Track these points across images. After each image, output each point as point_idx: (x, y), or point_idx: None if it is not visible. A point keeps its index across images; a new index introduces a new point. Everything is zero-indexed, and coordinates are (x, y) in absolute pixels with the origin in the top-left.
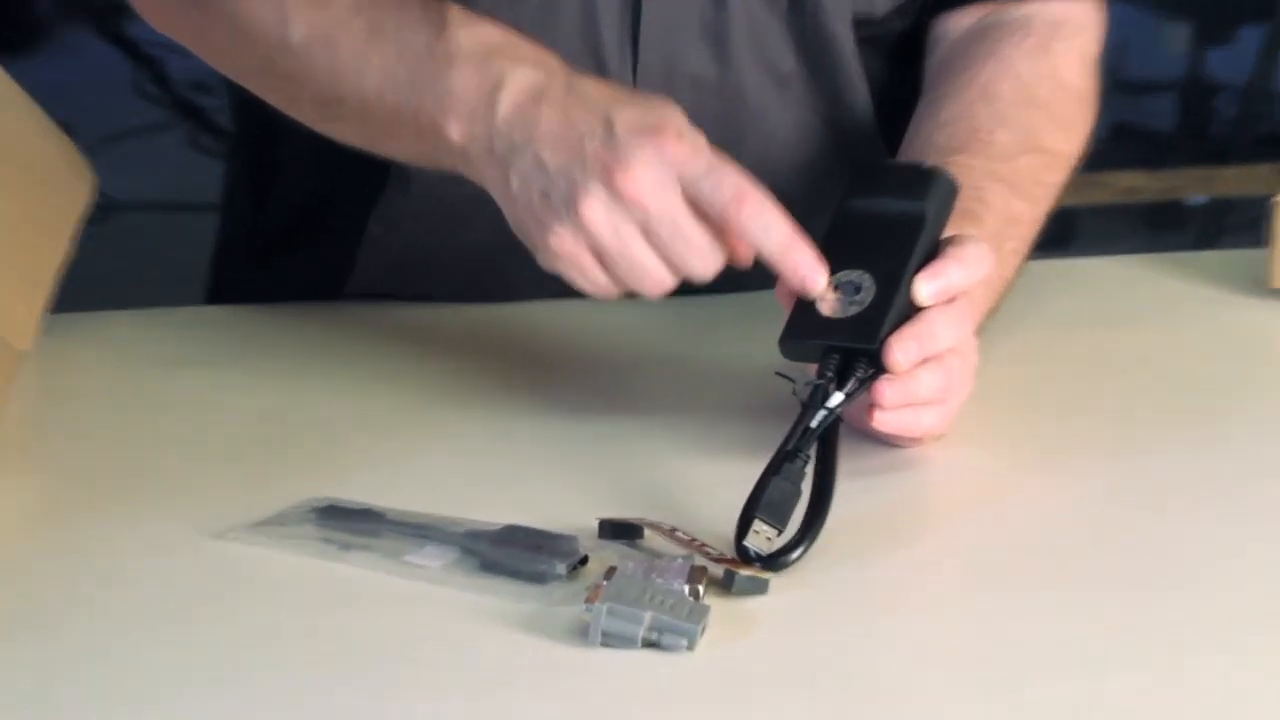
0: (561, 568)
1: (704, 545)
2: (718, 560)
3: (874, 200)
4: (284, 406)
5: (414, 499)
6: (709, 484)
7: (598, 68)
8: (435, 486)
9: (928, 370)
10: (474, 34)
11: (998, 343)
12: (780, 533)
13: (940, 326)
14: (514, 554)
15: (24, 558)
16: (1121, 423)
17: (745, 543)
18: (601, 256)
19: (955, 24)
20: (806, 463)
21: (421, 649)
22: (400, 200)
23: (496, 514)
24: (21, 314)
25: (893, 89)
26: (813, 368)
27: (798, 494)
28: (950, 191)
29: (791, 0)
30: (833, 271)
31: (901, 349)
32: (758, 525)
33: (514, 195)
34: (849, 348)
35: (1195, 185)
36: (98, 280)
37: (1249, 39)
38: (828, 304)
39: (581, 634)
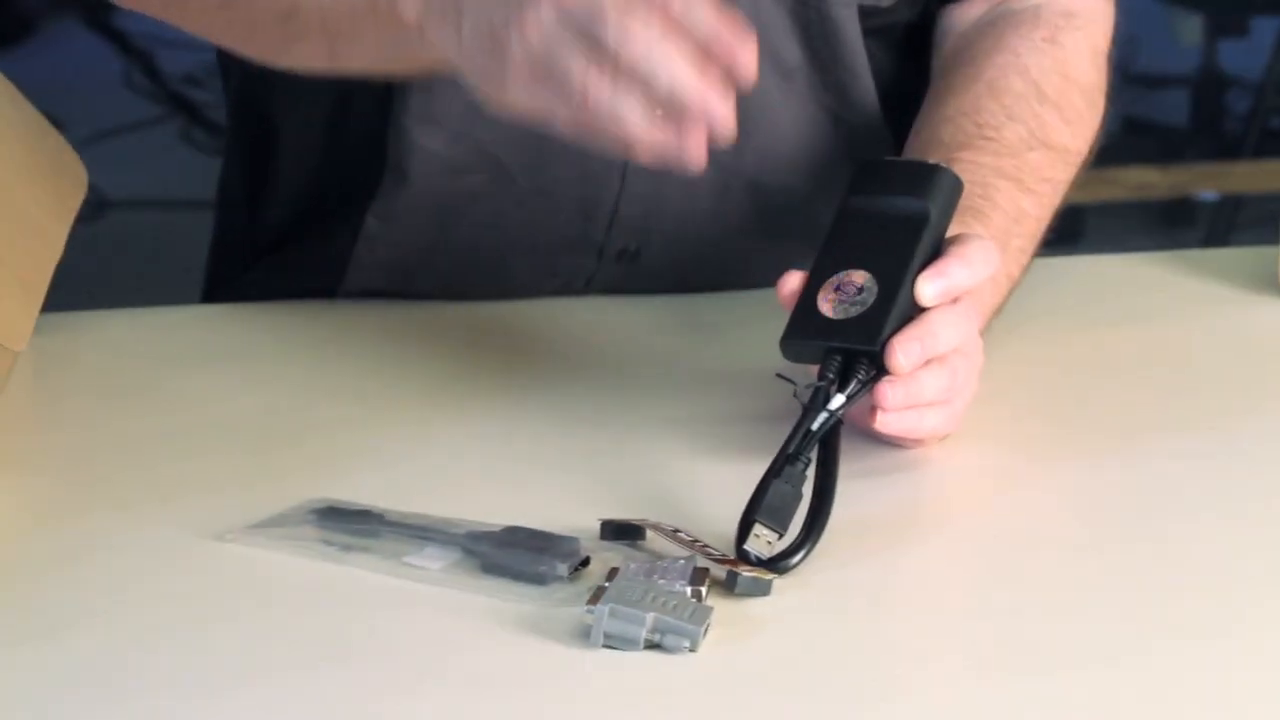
0: (563, 569)
1: (706, 546)
2: (720, 561)
3: (877, 198)
4: (282, 406)
5: (414, 500)
6: (711, 485)
7: None
8: (435, 487)
9: (931, 371)
10: None
11: (1004, 342)
12: (781, 536)
13: (943, 327)
14: (515, 555)
15: (18, 558)
16: (1129, 423)
17: (746, 546)
18: (552, 74)
19: (963, 15)
20: (807, 465)
21: (422, 651)
22: (397, 195)
23: (497, 515)
24: (15, 314)
25: (899, 81)
26: (814, 369)
27: (798, 497)
28: (955, 189)
29: None
30: (835, 271)
31: (904, 350)
32: (758, 529)
33: (466, 47)
34: (850, 349)
35: (1207, 181)
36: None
37: (1262, 32)
38: (829, 304)
39: (583, 635)
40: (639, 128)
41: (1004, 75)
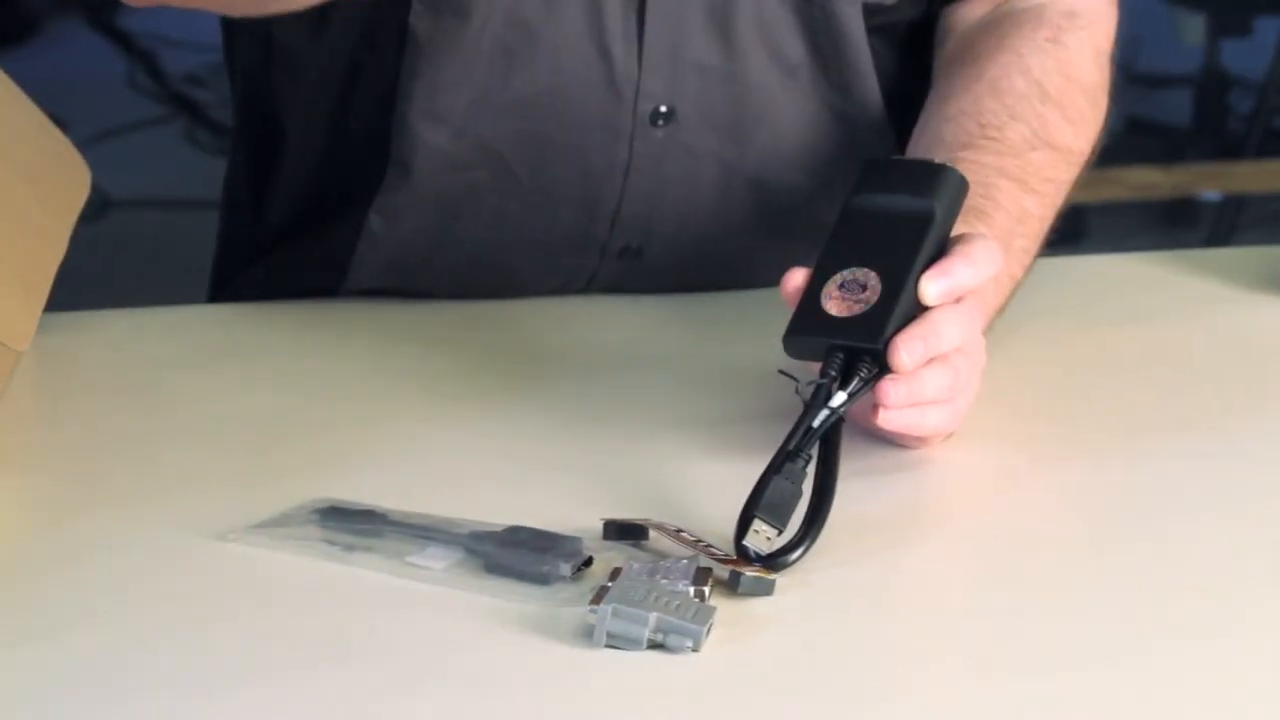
0: (566, 569)
1: (709, 546)
2: (723, 561)
3: (882, 196)
4: (284, 406)
5: (416, 499)
6: (714, 484)
7: (602, 54)
8: (438, 487)
9: (933, 370)
10: None
11: (1006, 341)
12: (780, 533)
13: (946, 326)
14: (518, 555)
15: (20, 558)
16: (1131, 423)
17: (744, 542)
18: None
19: (966, 14)
20: (808, 463)
21: (425, 651)
22: (400, 191)
23: (500, 514)
24: (18, 314)
25: (902, 80)
26: (816, 366)
27: (798, 494)
28: (960, 189)
29: None
30: (839, 268)
31: (906, 349)
32: (757, 525)
33: None
34: (853, 346)
35: (1210, 181)
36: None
37: (1265, 31)
38: (832, 301)
39: (586, 635)
40: None
41: (1007, 75)
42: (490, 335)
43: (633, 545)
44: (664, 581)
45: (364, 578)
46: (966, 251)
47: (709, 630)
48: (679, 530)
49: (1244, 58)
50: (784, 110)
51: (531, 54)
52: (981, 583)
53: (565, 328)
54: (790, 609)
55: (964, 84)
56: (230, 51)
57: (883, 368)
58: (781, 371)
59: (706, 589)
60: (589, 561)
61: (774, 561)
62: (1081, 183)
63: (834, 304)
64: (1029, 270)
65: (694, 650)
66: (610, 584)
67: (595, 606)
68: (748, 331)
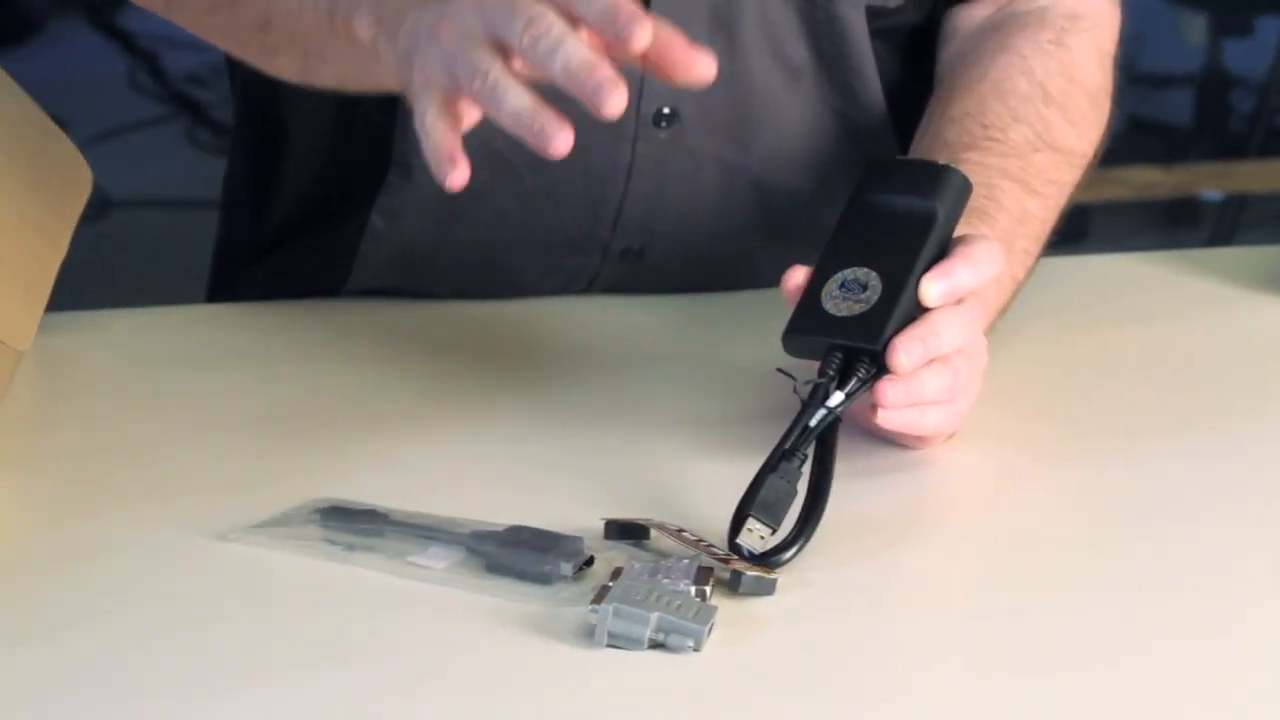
0: (567, 569)
1: (710, 546)
2: (724, 561)
3: (885, 197)
4: (285, 406)
5: (418, 499)
6: (715, 484)
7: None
8: (439, 486)
9: (933, 371)
10: None
11: (1007, 341)
12: (774, 531)
13: (946, 328)
14: (519, 555)
15: (21, 558)
16: (1132, 423)
17: (738, 541)
18: (452, 68)
19: (970, 16)
20: (804, 462)
21: (426, 650)
22: (402, 192)
23: (501, 514)
24: (19, 313)
25: (905, 83)
26: (816, 365)
27: (793, 493)
28: (963, 190)
29: None
30: (841, 268)
31: (905, 350)
32: (751, 524)
33: (399, 55)
34: (852, 346)
35: (1211, 181)
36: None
37: (1267, 31)
38: (833, 301)
39: (587, 635)
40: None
41: (1010, 77)
42: (492, 335)
43: (634, 545)
44: (665, 581)
45: (365, 577)
46: (968, 253)
47: (710, 630)
48: (680, 530)
49: (1246, 57)
50: (787, 112)
51: None
52: (981, 583)
53: (567, 328)
54: (791, 609)
55: (967, 85)
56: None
57: (881, 368)
58: (780, 370)
59: (708, 589)
60: (590, 561)
61: (767, 561)
62: (1084, 184)
63: (834, 303)
64: (1031, 271)
65: (695, 650)
66: (611, 584)
67: (596, 606)
68: (749, 331)
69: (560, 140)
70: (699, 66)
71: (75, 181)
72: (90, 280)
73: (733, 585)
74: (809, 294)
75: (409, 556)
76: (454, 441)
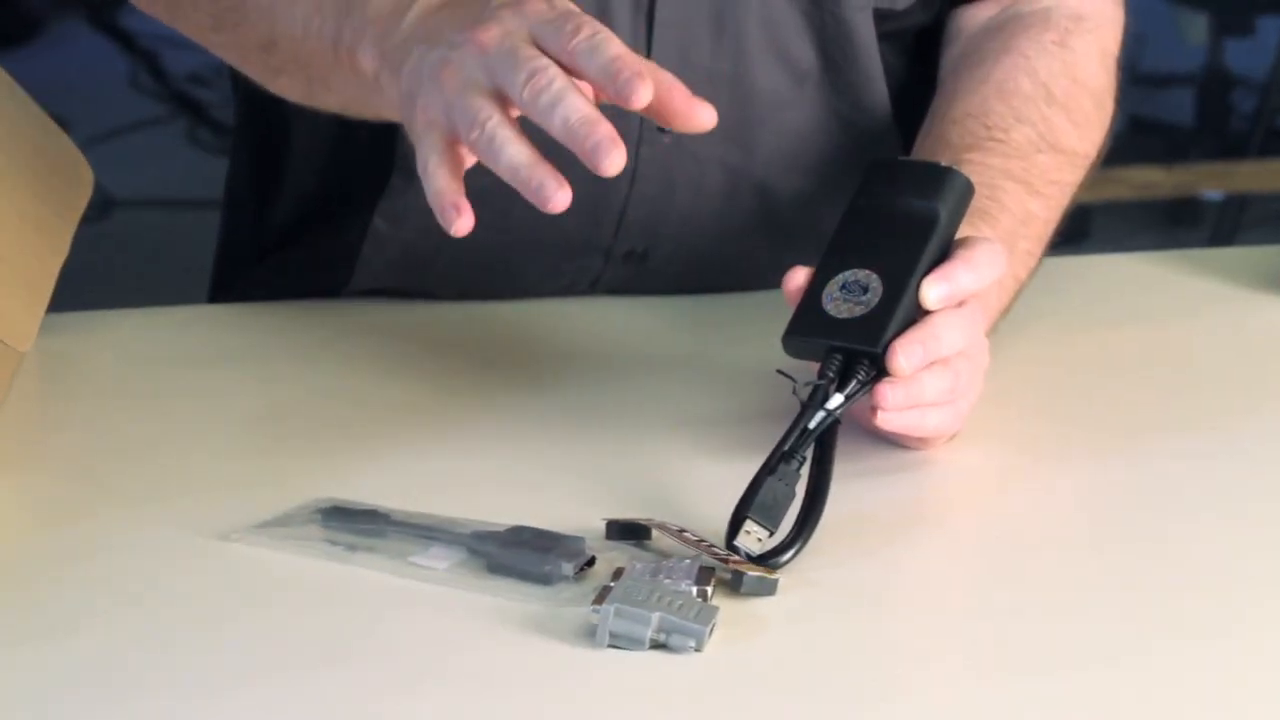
0: (569, 569)
1: (712, 546)
2: (725, 561)
3: (887, 199)
4: (287, 406)
5: (419, 499)
6: (716, 485)
7: None
8: (440, 487)
9: (933, 373)
10: None
11: (1009, 341)
12: (772, 534)
13: (947, 330)
14: (521, 555)
15: (23, 558)
16: (1132, 423)
17: (736, 543)
18: (451, 114)
19: (973, 17)
20: (802, 464)
21: (427, 650)
22: (405, 195)
23: (503, 515)
24: (20, 314)
25: (912, 84)
26: (816, 366)
27: (791, 495)
28: (965, 192)
29: None
30: (842, 269)
31: (905, 353)
32: (749, 526)
33: (401, 94)
34: (852, 349)
35: (1212, 181)
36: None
37: (1268, 31)
38: (833, 302)
39: (589, 635)
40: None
41: (1013, 77)
42: (493, 335)
43: (635, 545)
44: (667, 581)
45: (366, 578)
46: (969, 255)
47: (711, 630)
48: (682, 530)
49: (1246, 57)
50: (792, 116)
51: None
52: (981, 583)
53: (568, 329)
54: (792, 609)
55: (970, 86)
56: None
57: (881, 371)
58: (780, 371)
59: (709, 589)
60: (592, 561)
61: (765, 563)
62: (1087, 184)
63: (835, 305)
64: (1034, 272)
65: (697, 650)
66: (613, 584)
67: (598, 606)
68: (751, 332)
69: (558, 199)
70: (699, 116)
71: (76, 182)
72: (92, 281)
73: (734, 585)
74: (809, 295)
75: (410, 557)
76: (455, 442)
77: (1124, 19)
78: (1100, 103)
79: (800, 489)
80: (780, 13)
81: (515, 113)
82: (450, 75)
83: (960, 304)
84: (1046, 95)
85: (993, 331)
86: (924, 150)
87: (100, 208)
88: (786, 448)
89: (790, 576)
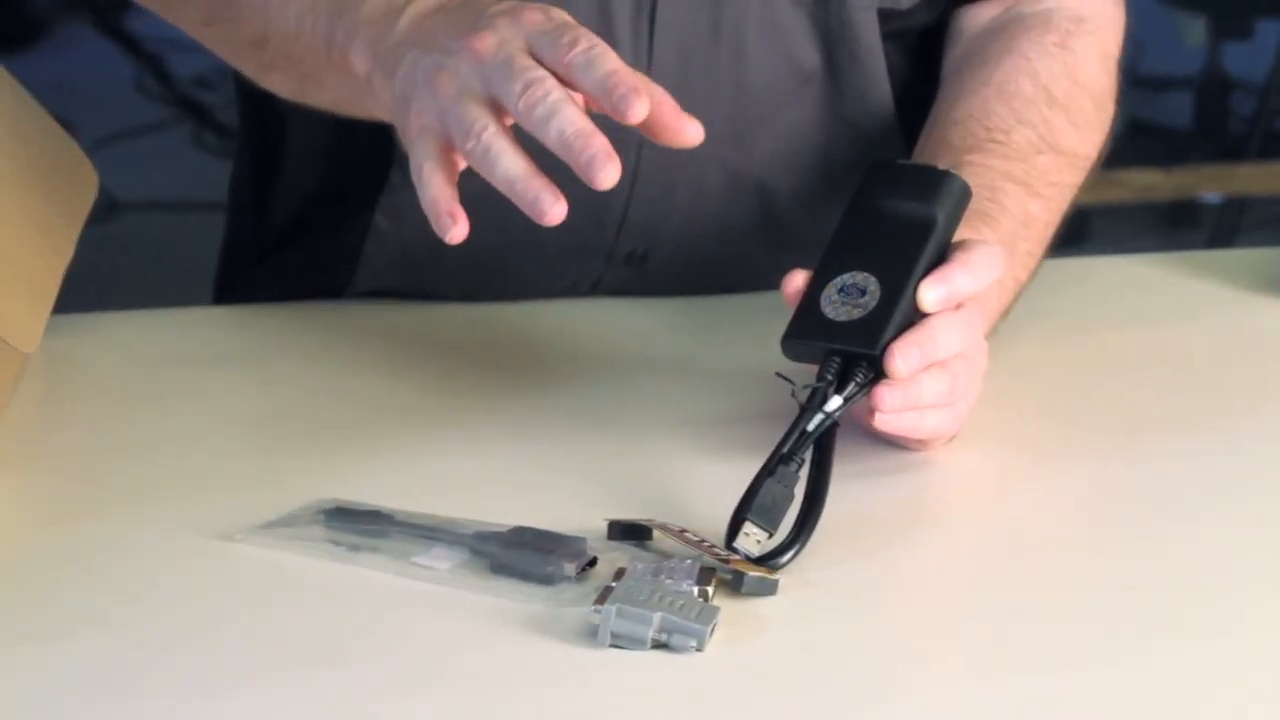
0: (570, 569)
1: (713, 546)
2: (726, 561)
3: (885, 202)
4: (290, 407)
5: (421, 500)
6: (717, 485)
7: None
8: (443, 488)
9: (931, 376)
10: None
11: (1008, 343)
12: (771, 535)
13: (944, 333)
14: (523, 555)
15: (26, 557)
16: (1132, 423)
17: (735, 544)
18: (445, 118)
19: (975, 18)
20: (801, 466)
21: (429, 651)
22: (404, 191)
23: (505, 515)
24: (25, 316)
25: (915, 84)
26: (815, 369)
27: (790, 497)
28: (963, 195)
29: None
30: (840, 272)
31: (903, 356)
32: (748, 527)
33: (394, 97)
34: (850, 351)
35: (1211, 183)
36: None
37: (1267, 34)
38: (832, 305)
39: (590, 635)
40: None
41: (1014, 79)
42: (495, 337)
43: (637, 546)
44: (668, 582)
45: (369, 578)
46: (967, 258)
47: (713, 630)
48: (683, 530)
49: (1245, 60)
50: (793, 117)
51: None
52: (981, 583)
53: (570, 330)
54: (793, 609)
55: (971, 88)
56: None
57: (879, 373)
58: (779, 374)
59: (710, 589)
60: (593, 562)
61: (764, 564)
62: (1087, 186)
63: (833, 308)
64: (1034, 274)
65: (698, 650)
66: (614, 584)
67: (599, 606)
68: (752, 334)
69: (554, 213)
70: (687, 132)
71: (81, 184)
72: (96, 283)
73: (735, 586)
74: (808, 298)
75: (413, 557)
76: (458, 443)
77: (1124, 21)
78: (1101, 104)
79: (799, 491)
80: (783, 14)
81: (510, 121)
82: (445, 82)
83: (958, 306)
84: (1047, 97)
85: (993, 333)
86: (925, 151)
87: (105, 210)
88: (785, 450)
89: (790, 577)
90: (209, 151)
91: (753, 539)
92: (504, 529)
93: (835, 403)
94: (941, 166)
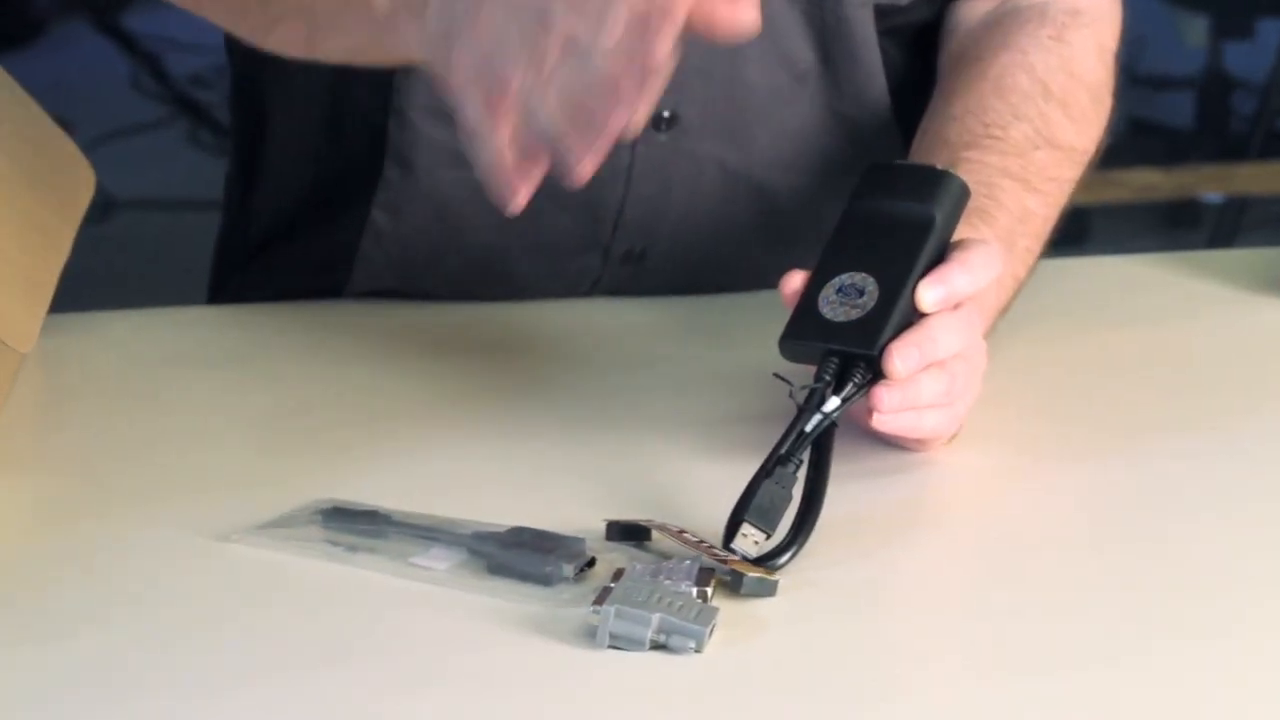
0: (569, 570)
1: (712, 547)
2: (725, 562)
3: (883, 202)
4: (288, 407)
5: (419, 500)
6: (716, 485)
7: None
8: (441, 488)
9: (930, 376)
10: None
11: (1008, 343)
12: (768, 536)
13: (943, 333)
14: (521, 556)
15: (23, 558)
16: (1132, 423)
17: (733, 545)
18: (487, 71)
19: (970, 12)
20: (799, 467)
21: (427, 651)
22: (402, 187)
23: (503, 515)
24: (22, 315)
25: (912, 80)
26: (813, 369)
27: (788, 498)
28: (961, 195)
29: None
30: (838, 272)
31: (901, 356)
32: (745, 528)
33: (430, 38)
34: (849, 352)
35: (1211, 183)
36: (98, 280)
37: (1268, 33)
38: (830, 306)
39: (589, 636)
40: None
41: (1010, 73)
42: (493, 337)
43: (635, 546)
44: (667, 582)
45: (367, 578)
46: (965, 258)
47: (711, 631)
48: (681, 531)
49: (1246, 59)
50: (790, 115)
51: None
52: (981, 583)
53: (568, 329)
54: (792, 609)
55: (968, 83)
56: (229, 47)
57: (877, 374)
58: (777, 375)
59: (709, 590)
60: (592, 562)
61: (761, 565)
62: (1085, 182)
63: (831, 308)
64: (1033, 270)
65: (696, 651)
66: (613, 585)
67: (598, 607)
68: (750, 333)
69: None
70: (742, 18)
71: (78, 183)
72: (92, 282)
73: (734, 586)
74: (806, 298)
75: (411, 557)
76: (456, 443)
77: (1121, 14)
78: (1098, 98)
79: (797, 491)
80: (778, 11)
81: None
82: (484, 26)
83: (956, 306)
84: (1044, 91)
85: (992, 330)
86: (922, 147)
87: (101, 209)
88: (783, 451)
89: (790, 577)
90: (205, 150)
91: (751, 540)
92: (502, 529)
93: (833, 403)
94: (939, 165)
